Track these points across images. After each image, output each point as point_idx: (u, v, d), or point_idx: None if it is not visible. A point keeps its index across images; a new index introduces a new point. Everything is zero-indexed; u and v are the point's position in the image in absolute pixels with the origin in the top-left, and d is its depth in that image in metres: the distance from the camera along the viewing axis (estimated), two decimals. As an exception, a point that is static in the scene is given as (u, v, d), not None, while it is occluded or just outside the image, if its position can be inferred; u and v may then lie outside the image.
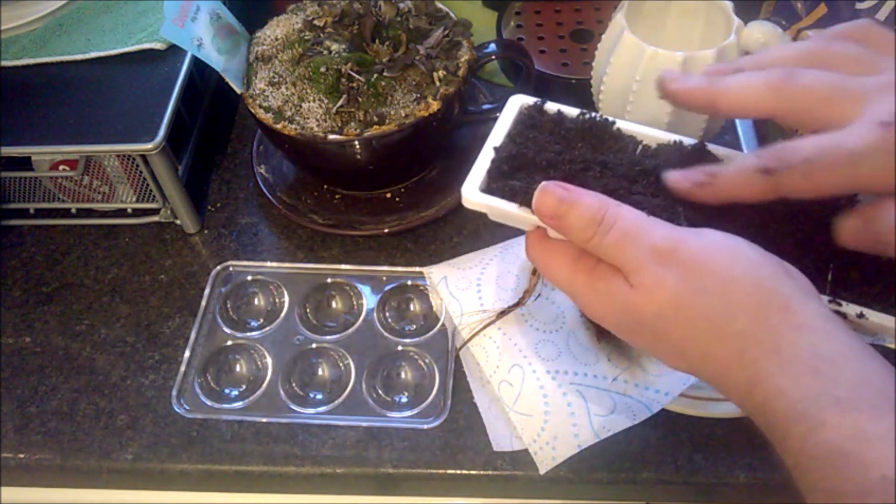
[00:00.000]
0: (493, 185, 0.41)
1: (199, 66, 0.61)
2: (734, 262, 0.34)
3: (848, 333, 0.33)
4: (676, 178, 0.39)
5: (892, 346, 0.54)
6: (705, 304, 0.34)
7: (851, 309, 0.37)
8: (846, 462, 0.30)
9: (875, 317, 0.37)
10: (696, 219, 0.38)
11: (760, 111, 0.37)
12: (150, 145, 0.56)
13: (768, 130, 0.67)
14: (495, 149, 0.42)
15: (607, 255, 0.36)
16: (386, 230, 0.63)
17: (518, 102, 0.45)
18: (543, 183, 0.38)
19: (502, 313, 0.54)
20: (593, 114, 0.44)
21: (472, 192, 0.41)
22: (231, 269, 0.62)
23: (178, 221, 0.65)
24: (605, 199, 0.37)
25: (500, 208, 0.40)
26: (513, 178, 0.41)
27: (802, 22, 0.61)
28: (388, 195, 0.65)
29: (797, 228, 0.39)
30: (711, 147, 0.43)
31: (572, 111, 0.45)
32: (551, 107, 0.45)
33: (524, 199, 0.39)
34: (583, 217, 0.36)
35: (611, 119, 0.44)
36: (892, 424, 0.30)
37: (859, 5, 0.54)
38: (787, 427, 0.32)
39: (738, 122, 0.70)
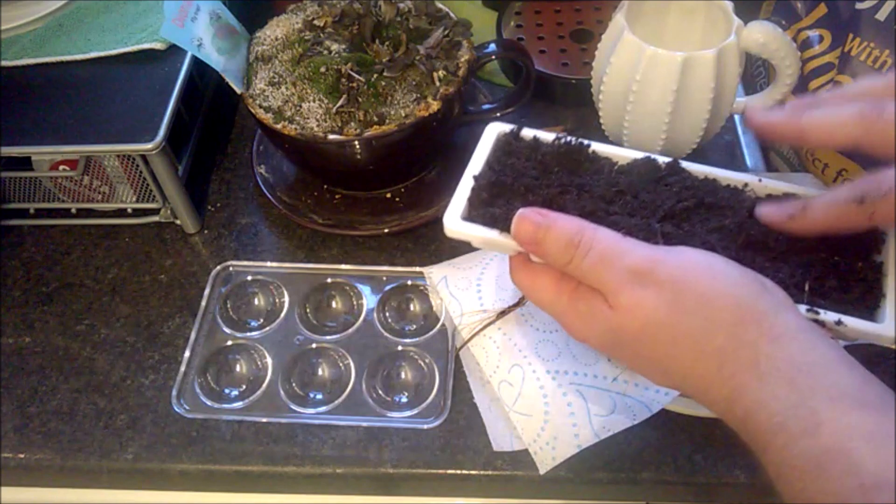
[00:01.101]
0: (475, 212, 0.42)
1: (199, 66, 0.61)
2: (711, 280, 0.35)
3: (826, 342, 0.34)
4: (769, 212, 0.39)
5: (892, 346, 0.54)
6: (684, 322, 0.35)
7: (829, 317, 0.37)
8: (824, 471, 0.31)
9: (853, 322, 0.37)
10: (673, 236, 0.39)
11: (849, 142, 0.37)
12: (150, 145, 0.56)
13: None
14: (474, 177, 0.43)
15: (586, 277, 0.37)
16: (386, 230, 0.63)
17: (495, 130, 0.46)
18: (521, 210, 0.39)
19: (502, 313, 0.54)
20: (568, 138, 0.45)
21: (454, 222, 0.41)
22: (231, 269, 0.62)
23: (178, 221, 0.65)
24: (581, 222, 0.37)
25: (482, 236, 0.41)
26: (493, 205, 0.41)
27: (802, 22, 0.61)
28: (388, 195, 0.65)
29: (772, 242, 0.40)
30: (684, 164, 0.44)
31: (548, 136, 0.46)
32: (527, 133, 0.46)
33: (504, 226, 0.40)
34: (560, 241, 0.37)
35: (585, 142, 0.45)
36: (869, 431, 0.31)
37: (859, 5, 0.54)
38: (767, 439, 0.33)
39: (737, 122, 0.70)
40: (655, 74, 0.54)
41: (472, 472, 0.51)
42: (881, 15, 0.53)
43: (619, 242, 0.37)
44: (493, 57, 0.63)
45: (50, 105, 0.60)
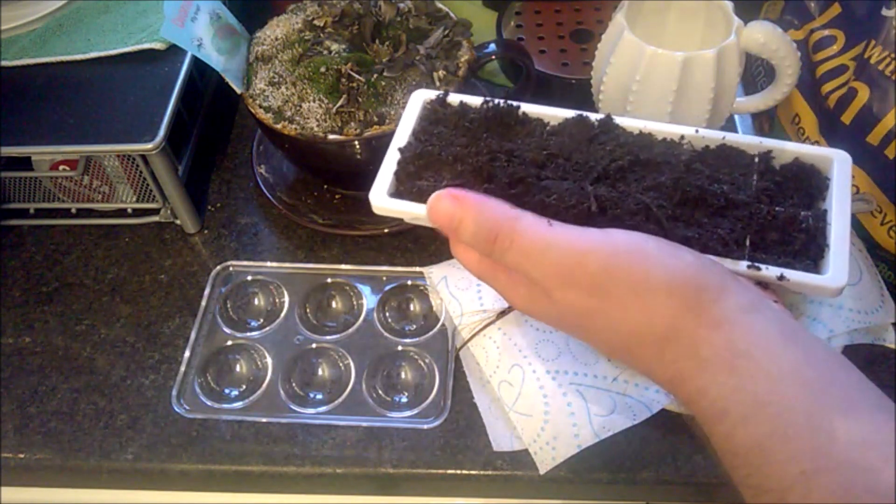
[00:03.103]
0: (402, 187, 0.40)
1: (199, 66, 0.61)
2: (646, 271, 0.34)
3: (767, 320, 0.33)
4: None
5: (892, 346, 0.54)
6: (622, 315, 0.34)
7: (772, 272, 0.36)
8: (766, 459, 0.31)
9: (795, 276, 0.36)
10: (608, 199, 0.37)
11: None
12: (150, 145, 0.56)
13: (774, 127, 0.67)
14: (400, 149, 0.41)
15: (513, 270, 0.36)
16: (386, 230, 0.63)
17: (420, 98, 0.44)
18: (434, 194, 0.37)
19: (502, 313, 0.54)
20: (497, 100, 0.43)
21: (381, 198, 0.40)
22: (231, 269, 0.62)
23: (178, 221, 0.65)
24: (499, 211, 0.35)
25: (411, 212, 0.39)
26: (420, 178, 0.40)
27: (815, 21, 0.60)
28: (388, 195, 0.65)
29: (710, 197, 0.38)
30: (618, 119, 0.42)
31: (476, 101, 0.43)
32: (454, 98, 0.44)
33: None
34: (476, 233, 0.35)
35: (515, 104, 0.43)
36: (809, 412, 0.30)
37: (886, 12, 0.53)
38: (710, 424, 0.33)
39: (737, 122, 0.70)
40: (655, 74, 0.54)
41: (472, 472, 0.51)
42: None
43: (543, 234, 0.34)
44: (493, 57, 0.63)
45: (50, 105, 0.60)
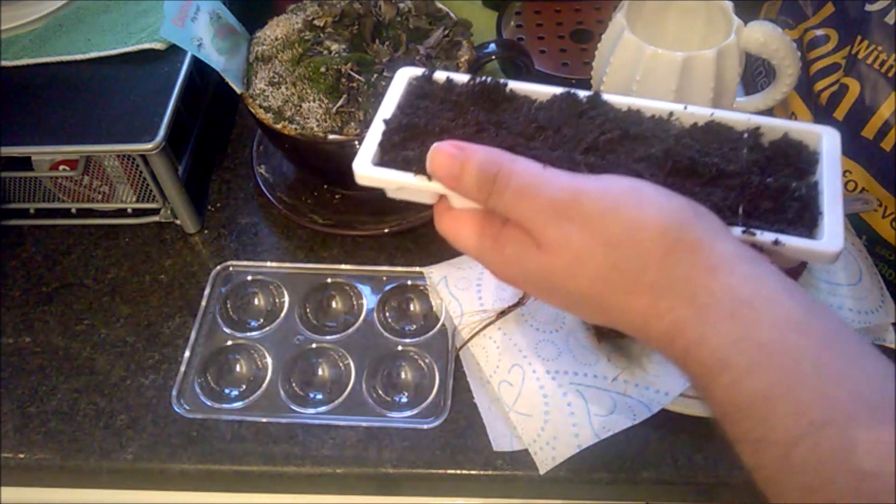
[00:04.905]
0: (386, 157, 0.39)
1: (199, 66, 0.61)
2: (639, 208, 0.33)
3: (766, 270, 0.32)
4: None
5: (892, 346, 0.54)
6: (613, 255, 0.33)
7: (766, 237, 0.35)
8: (772, 409, 0.29)
9: (791, 241, 0.35)
10: (598, 166, 0.37)
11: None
12: (150, 145, 0.56)
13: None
14: (385, 121, 0.41)
15: (508, 213, 0.35)
16: (386, 230, 0.63)
17: (406, 74, 0.43)
18: (436, 144, 0.37)
19: (502, 313, 0.54)
20: (485, 77, 0.43)
21: (365, 167, 0.39)
22: (231, 269, 0.62)
23: (178, 221, 0.65)
24: (498, 153, 0.36)
25: (396, 180, 0.38)
26: (406, 148, 0.39)
27: (809, 21, 0.60)
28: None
29: (701, 168, 0.38)
30: (607, 96, 0.42)
31: (462, 77, 0.43)
32: (440, 75, 0.43)
33: (420, 168, 0.38)
34: (477, 174, 0.35)
35: (503, 81, 0.43)
36: (815, 362, 0.29)
37: (869, 7, 0.54)
38: (711, 377, 0.31)
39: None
40: (655, 74, 0.54)
41: (472, 472, 0.51)
42: (891, 18, 0.52)
43: (539, 173, 0.35)
44: (493, 57, 0.63)
45: (50, 105, 0.60)
